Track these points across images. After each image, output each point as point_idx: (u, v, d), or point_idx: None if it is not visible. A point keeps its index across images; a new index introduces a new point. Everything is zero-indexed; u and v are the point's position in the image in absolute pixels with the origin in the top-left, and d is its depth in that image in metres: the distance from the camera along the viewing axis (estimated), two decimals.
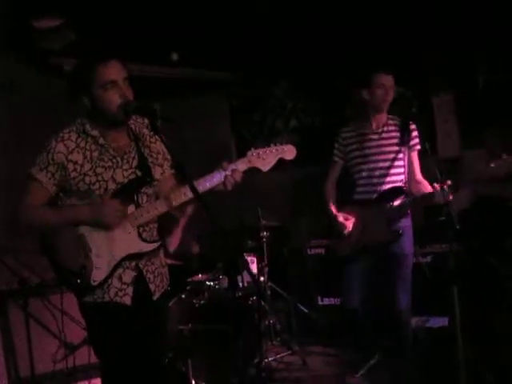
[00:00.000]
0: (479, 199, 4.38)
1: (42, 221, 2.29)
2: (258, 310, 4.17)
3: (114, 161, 2.32)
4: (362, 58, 4.50)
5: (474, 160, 4.72)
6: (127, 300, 2.31)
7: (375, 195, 3.41)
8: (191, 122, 5.74)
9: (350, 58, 4.79)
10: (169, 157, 2.46)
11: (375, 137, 3.46)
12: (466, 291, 3.10)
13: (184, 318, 3.68)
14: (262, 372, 3.96)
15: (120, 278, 2.30)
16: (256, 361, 4.00)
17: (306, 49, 4.89)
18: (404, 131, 3.41)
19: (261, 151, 2.29)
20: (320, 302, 4.79)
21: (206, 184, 2.24)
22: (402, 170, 3.41)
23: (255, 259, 4.65)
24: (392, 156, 3.41)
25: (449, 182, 3.02)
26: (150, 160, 2.41)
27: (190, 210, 4.18)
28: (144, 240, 2.32)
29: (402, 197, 3.35)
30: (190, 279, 4.06)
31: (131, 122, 2.37)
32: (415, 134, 3.45)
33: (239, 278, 4.36)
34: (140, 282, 2.35)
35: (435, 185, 3.05)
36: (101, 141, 2.30)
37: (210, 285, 4.04)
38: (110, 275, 2.27)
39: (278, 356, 4.29)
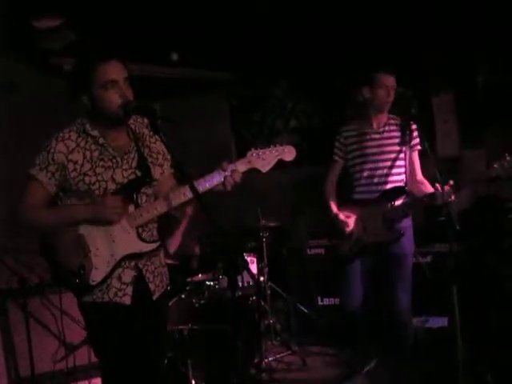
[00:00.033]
0: (479, 199, 4.39)
1: (41, 221, 2.29)
2: (257, 309, 4.18)
3: (114, 161, 2.32)
4: (362, 58, 4.50)
5: (474, 160, 4.72)
6: (127, 300, 2.31)
7: (376, 195, 3.40)
8: (191, 122, 5.74)
9: (350, 58, 4.79)
10: (169, 157, 2.46)
11: (376, 136, 3.45)
12: (466, 291, 3.10)
13: (184, 317, 3.68)
14: (261, 372, 3.96)
15: (119, 278, 2.30)
16: (256, 361, 4.01)
17: (305, 49, 4.90)
18: (405, 131, 3.41)
19: (260, 152, 2.29)
20: (320, 302, 4.79)
21: (205, 184, 2.24)
22: (402, 169, 3.41)
23: (255, 259, 4.66)
24: (393, 156, 3.40)
25: (451, 182, 3.02)
26: (150, 160, 2.41)
27: (190, 211, 4.19)
28: (143, 240, 2.32)
29: (404, 197, 3.35)
30: (189, 279, 4.07)
31: (131, 121, 2.37)
32: (416, 133, 3.45)
33: (239, 278, 4.36)
34: (139, 281, 2.35)
35: (437, 185, 3.05)
36: (101, 141, 2.30)
37: (209, 285, 4.05)
38: (110, 275, 2.27)
39: (278, 356, 4.29)
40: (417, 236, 3.49)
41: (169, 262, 3.11)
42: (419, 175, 3.46)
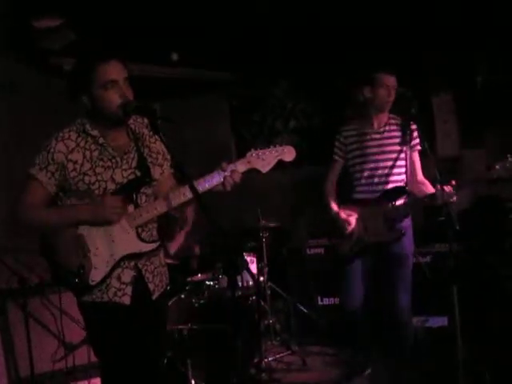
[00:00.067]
0: (479, 199, 4.39)
1: (41, 220, 2.29)
2: (257, 309, 4.17)
3: (114, 161, 2.32)
4: (362, 58, 4.50)
5: (474, 160, 4.73)
6: (126, 300, 2.31)
7: (376, 195, 3.40)
8: (191, 122, 5.74)
9: (350, 58, 4.79)
10: (168, 157, 2.46)
11: (377, 136, 3.45)
12: (466, 291, 3.10)
13: (183, 317, 3.68)
14: (261, 372, 3.96)
15: (119, 278, 2.30)
16: (255, 361, 4.01)
17: (305, 49, 4.90)
18: (405, 131, 3.41)
19: (260, 152, 2.28)
20: (319, 302, 4.79)
21: (205, 185, 2.24)
22: (403, 169, 3.41)
23: (255, 259, 4.66)
24: (393, 156, 3.40)
25: (453, 183, 3.02)
26: (150, 160, 2.41)
27: (192, 216, 4.19)
28: (143, 240, 2.31)
29: (405, 197, 3.35)
30: (189, 279, 4.07)
31: (131, 121, 2.36)
32: (416, 133, 3.45)
33: (239, 277, 4.36)
34: (139, 281, 2.34)
35: (438, 186, 3.04)
36: (101, 140, 2.30)
37: (209, 284, 4.05)
38: (109, 275, 2.27)
39: (278, 356, 4.29)
40: (417, 236, 3.49)
41: (169, 261, 3.11)
42: (420, 175, 3.46)
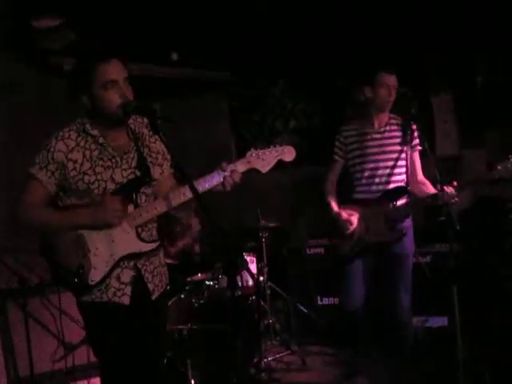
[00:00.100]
0: (479, 199, 4.39)
1: (41, 221, 2.29)
2: (257, 309, 4.17)
3: (114, 161, 2.32)
4: (362, 58, 4.50)
5: (474, 160, 4.73)
6: (126, 300, 2.31)
7: (377, 195, 3.39)
8: (191, 122, 5.74)
9: (350, 58, 4.79)
10: (168, 157, 2.46)
11: (377, 136, 3.44)
12: (466, 291, 3.10)
13: (183, 317, 3.68)
14: (261, 372, 3.96)
15: (118, 278, 2.30)
16: (255, 360, 4.01)
17: (305, 49, 4.90)
18: (406, 131, 3.41)
19: (260, 152, 2.28)
20: (319, 302, 4.79)
21: (204, 184, 2.24)
22: (403, 169, 3.40)
23: (255, 259, 4.66)
24: (394, 156, 3.39)
25: (455, 183, 3.02)
26: (150, 160, 2.41)
27: (196, 226, 4.21)
28: (143, 240, 2.31)
29: (406, 197, 3.34)
30: (189, 279, 4.07)
31: (131, 121, 2.37)
32: (417, 133, 3.44)
33: (239, 277, 4.37)
34: (138, 281, 2.35)
35: (439, 186, 3.04)
36: (100, 140, 2.30)
37: (209, 284, 4.04)
38: (108, 275, 2.27)
39: (278, 356, 4.29)
40: (417, 236, 3.49)
41: (168, 261, 3.11)
42: (420, 175, 3.46)
